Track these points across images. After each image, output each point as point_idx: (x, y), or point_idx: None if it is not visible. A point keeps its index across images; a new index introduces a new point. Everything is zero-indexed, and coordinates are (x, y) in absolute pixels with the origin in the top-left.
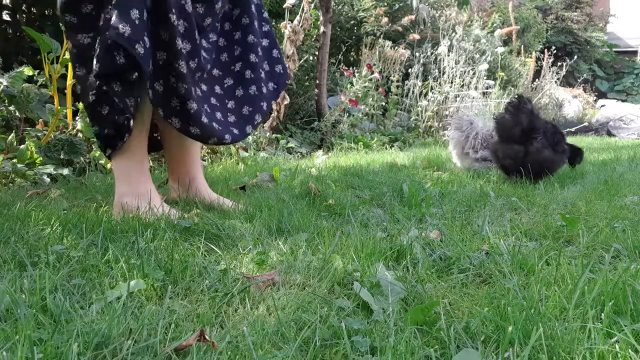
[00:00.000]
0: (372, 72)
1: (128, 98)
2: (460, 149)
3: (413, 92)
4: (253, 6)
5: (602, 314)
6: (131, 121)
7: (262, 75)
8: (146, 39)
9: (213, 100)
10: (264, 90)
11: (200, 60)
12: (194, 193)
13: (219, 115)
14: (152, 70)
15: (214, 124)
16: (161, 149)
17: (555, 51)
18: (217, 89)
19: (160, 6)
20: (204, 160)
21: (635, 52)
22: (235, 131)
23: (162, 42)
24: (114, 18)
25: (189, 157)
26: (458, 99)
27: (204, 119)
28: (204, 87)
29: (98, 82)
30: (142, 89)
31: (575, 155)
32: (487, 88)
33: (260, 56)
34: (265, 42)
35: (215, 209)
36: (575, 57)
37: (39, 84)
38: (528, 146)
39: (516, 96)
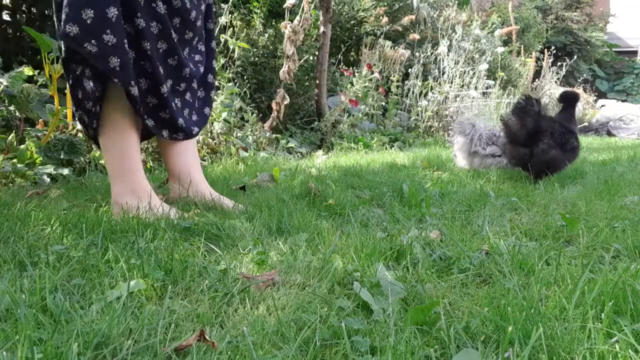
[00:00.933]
0: (372, 72)
1: (94, 84)
2: (466, 152)
3: (413, 92)
4: (212, 11)
5: (602, 314)
6: (97, 107)
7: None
8: (106, 36)
9: (185, 98)
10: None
11: (182, 58)
12: (194, 192)
13: (186, 111)
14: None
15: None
16: (148, 138)
17: (555, 51)
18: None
19: (126, 8)
20: (204, 161)
21: (635, 52)
22: (197, 129)
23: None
24: (63, 17)
25: (186, 156)
26: (458, 99)
27: (174, 106)
28: (182, 86)
29: (71, 65)
30: (107, 79)
31: (572, 100)
32: (487, 88)
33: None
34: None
35: (216, 209)
36: (575, 57)
37: (39, 84)
38: (534, 148)
39: (523, 97)
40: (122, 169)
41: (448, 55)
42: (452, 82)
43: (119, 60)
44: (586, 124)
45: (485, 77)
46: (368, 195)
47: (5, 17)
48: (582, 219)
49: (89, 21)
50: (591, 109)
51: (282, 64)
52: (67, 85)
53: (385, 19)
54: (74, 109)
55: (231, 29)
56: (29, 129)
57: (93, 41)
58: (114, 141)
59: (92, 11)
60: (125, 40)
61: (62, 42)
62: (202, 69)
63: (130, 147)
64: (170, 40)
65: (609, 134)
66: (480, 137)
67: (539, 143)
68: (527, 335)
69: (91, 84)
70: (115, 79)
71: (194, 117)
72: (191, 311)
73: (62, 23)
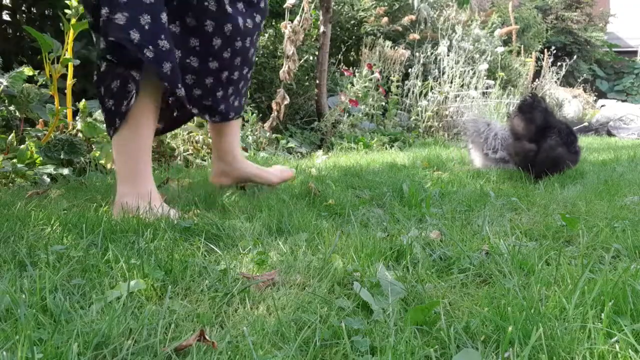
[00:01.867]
0: (372, 72)
1: (131, 81)
2: (480, 151)
3: (413, 92)
4: None
5: (602, 314)
6: (132, 98)
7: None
8: (161, 41)
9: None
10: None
11: (235, 48)
12: (236, 168)
13: (232, 98)
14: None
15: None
16: (177, 126)
17: (555, 51)
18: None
19: (177, 7)
20: (204, 161)
21: (635, 52)
22: (232, 114)
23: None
24: (123, 22)
25: (230, 136)
26: (458, 99)
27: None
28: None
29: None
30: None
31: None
32: (487, 88)
33: None
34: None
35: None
36: (575, 57)
37: (39, 84)
38: (542, 143)
39: (530, 95)
40: (131, 169)
41: (448, 55)
42: (452, 82)
43: (170, 64)
44: (586, 124)
45: (485, 77)
46: (368, 195)
47: (5, 17)
48: (582, 219)
49: (146, 27)
50: (591, 109)
51: (282, 64)
52: (101, 90)
53: (385, 19)
54: (107, 97)
55: None
56: (29, 129)
57: (151, 47)
58: (129, 140)
59: (149, 16)
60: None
61: (111, 48)
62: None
63: (144, 149)
64: (223, 34)
65: (609, 134)
66: (495, 137)
67: (547, 139)
68: (527, 335)
69: (120, 84)
70: (166, 82)
71: (236, 104)
72: (191, 311)
73: (117, 29)
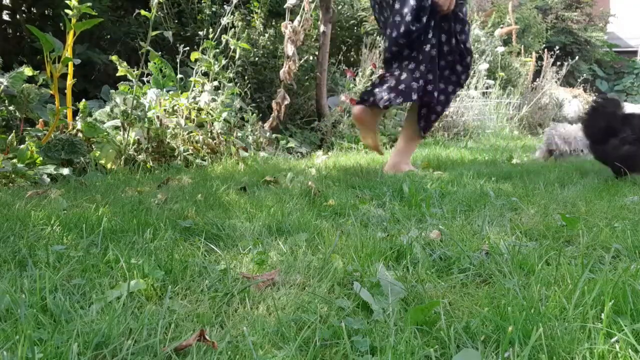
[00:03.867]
0: (377, 71)
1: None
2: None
3: None
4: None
5: (602, 314)
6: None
7: None
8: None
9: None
10: None
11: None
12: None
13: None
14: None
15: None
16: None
17: (558, 51)
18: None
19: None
20: (204, 160)
21: (635, 52)
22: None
23: None
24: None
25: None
26: (458, 99)
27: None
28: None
29: None
30: None
31: None
32: (487, 88)
33: None
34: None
35: (219, 207)
36: (577, 57)
37: (39, 83)
38: (607, 145)
39: (600, 98)
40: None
41: None
42: None
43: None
44: None
45: (485, 77)
46: (368, 195)
47: (5, 17)
48: (582, 219)
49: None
50: None
51: (283, 64)
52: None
53: None
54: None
55: (232, 29)
56: (29, 129)
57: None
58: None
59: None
60: None
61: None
62: None
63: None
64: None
65: None
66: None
67: (611, 139)
68: (527, 335)
69: None
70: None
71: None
72: (191, 311)
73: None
